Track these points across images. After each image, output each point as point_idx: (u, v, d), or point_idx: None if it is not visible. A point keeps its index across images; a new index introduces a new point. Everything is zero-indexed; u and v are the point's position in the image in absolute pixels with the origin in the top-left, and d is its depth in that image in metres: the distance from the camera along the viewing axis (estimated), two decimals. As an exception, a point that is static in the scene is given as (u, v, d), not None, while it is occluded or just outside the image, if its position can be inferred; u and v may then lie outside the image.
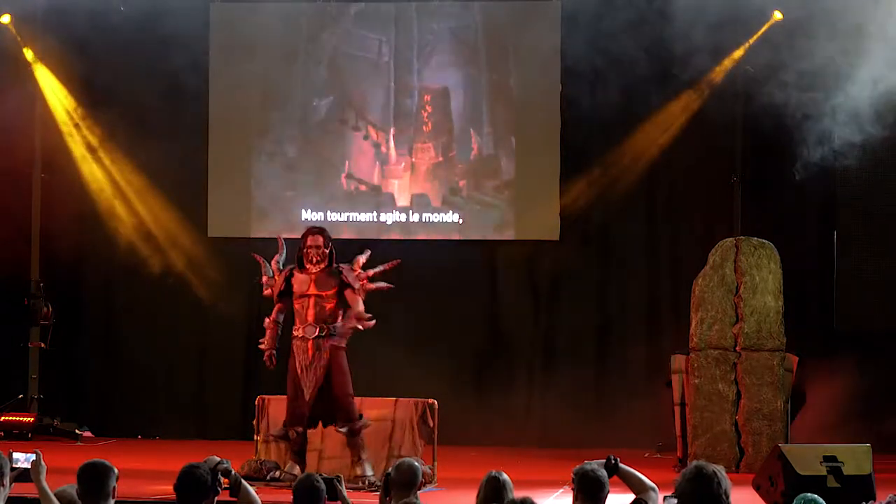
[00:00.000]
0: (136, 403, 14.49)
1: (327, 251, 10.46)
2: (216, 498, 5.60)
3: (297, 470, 10.23)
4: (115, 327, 14.68)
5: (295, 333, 10.41)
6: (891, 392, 13.24)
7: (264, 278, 10.63)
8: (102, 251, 14.63)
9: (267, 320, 10.60)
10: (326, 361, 10.34)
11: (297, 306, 10.43)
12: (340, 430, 10.38)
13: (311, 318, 10.34)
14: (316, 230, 10.60)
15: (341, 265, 10.51)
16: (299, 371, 10.34)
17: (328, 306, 10.39)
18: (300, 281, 10.42)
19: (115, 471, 5.81)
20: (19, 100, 14.12)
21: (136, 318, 14.55)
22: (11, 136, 14.08)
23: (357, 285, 10.43)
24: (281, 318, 10.63)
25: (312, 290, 10.37)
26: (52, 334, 14.33)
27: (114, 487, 5.61)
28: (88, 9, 13.62)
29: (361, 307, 10.36)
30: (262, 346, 10.57)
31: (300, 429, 10.38)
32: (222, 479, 5.66)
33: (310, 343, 10.32)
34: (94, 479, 5.59)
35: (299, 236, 10.67)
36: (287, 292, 10.51)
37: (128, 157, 14.56)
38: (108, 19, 13.83)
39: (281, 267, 10.60)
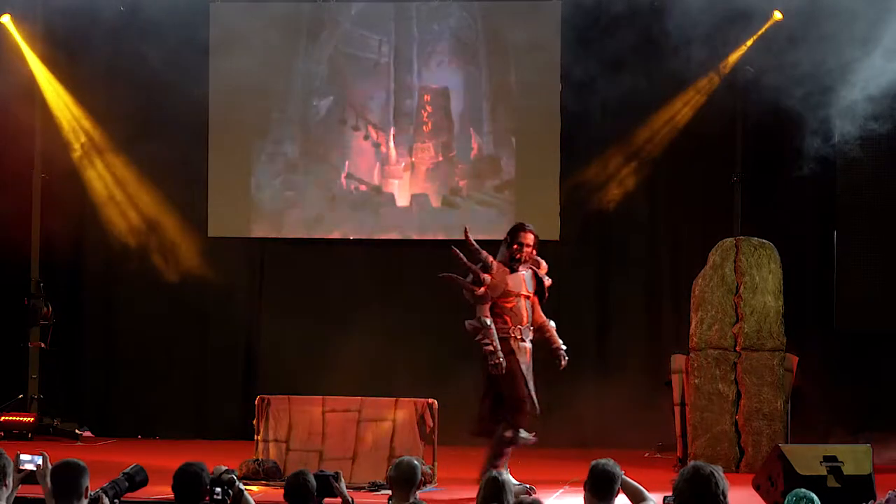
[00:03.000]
0: (136, 403, 14.47)
1: (535, 251, 10.11)
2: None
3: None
4: (115, 327, 14.66)
5: (513, 334, 9.90)
6: (891, 392, 13.23)
7: (487, 276, 9.83)
8: (102, 251, 14.62)
9: (490, 322, 9.83)
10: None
11: (508, 305, 9.92)
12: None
13: (526, 321, 9.99)
14: (529, 227, 10.08)
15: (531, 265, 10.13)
16: (525, 374, 9.90)
17: (532, 307, 10.07)
18: (512, 279, 9.95)
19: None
20: (19, 99, 14.11)
21: (136, 318, 14.53)
22: (11, 135, 14.09)
23: (546, 287, 10.11)
24: None
25: (525, 290, 10.00)
26: (52, 334, 14.32)
27: (86, 487, 5.62)
28: (88, 9, 13.63)
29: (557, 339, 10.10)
30: (495, 349, 9.77)
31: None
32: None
33: (527, 346, 9.98)
34: (66, 479, 5.60)
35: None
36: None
37: (128, 157, 14.55)
38: (108, 19, 13.86)
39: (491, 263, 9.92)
